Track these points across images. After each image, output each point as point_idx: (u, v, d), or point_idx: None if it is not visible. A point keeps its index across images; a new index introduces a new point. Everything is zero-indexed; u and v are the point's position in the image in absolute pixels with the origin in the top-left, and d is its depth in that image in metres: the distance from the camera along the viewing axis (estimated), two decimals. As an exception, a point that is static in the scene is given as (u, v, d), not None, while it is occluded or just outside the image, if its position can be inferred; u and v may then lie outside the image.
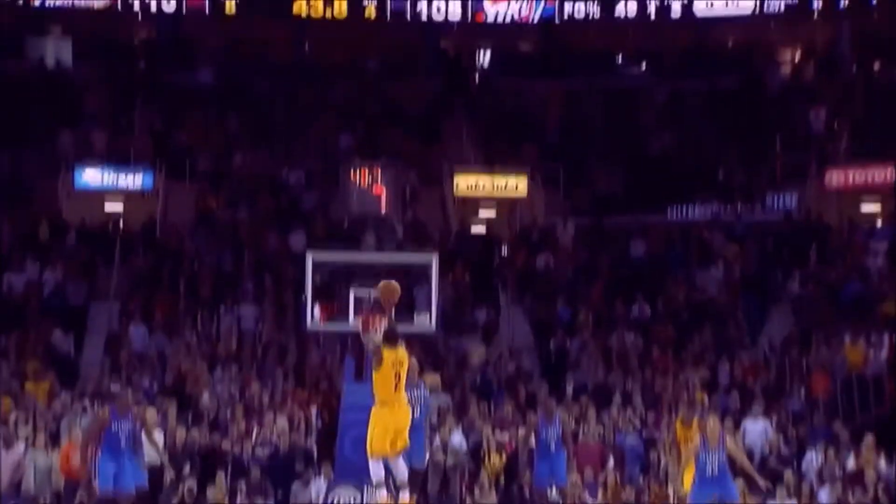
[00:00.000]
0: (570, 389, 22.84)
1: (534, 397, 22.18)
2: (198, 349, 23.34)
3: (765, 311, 26.16)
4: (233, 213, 28.26)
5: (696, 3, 33.19)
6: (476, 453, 19.94)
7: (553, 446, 15.56)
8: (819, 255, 27.06)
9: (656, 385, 23.09)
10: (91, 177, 28.34)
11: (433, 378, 14.17)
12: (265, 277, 25.77)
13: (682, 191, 29.28)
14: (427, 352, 23.79)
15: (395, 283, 12.94)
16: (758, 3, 33.06)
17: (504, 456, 19.87)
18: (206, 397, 21.34)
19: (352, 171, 19.83)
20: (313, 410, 21.24)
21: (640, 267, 27.46)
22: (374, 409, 12.27)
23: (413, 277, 23.87)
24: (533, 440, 16.59)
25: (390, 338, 12.36)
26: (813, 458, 20.16)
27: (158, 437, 18.73)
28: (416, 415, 12.88)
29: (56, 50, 32.76)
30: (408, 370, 12.39)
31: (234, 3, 32.37)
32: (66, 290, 25.24)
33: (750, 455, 20.16)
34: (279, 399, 21.66)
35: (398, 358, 12.25)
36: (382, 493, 12.30)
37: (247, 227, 27.72)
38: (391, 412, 12.16)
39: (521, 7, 33.44)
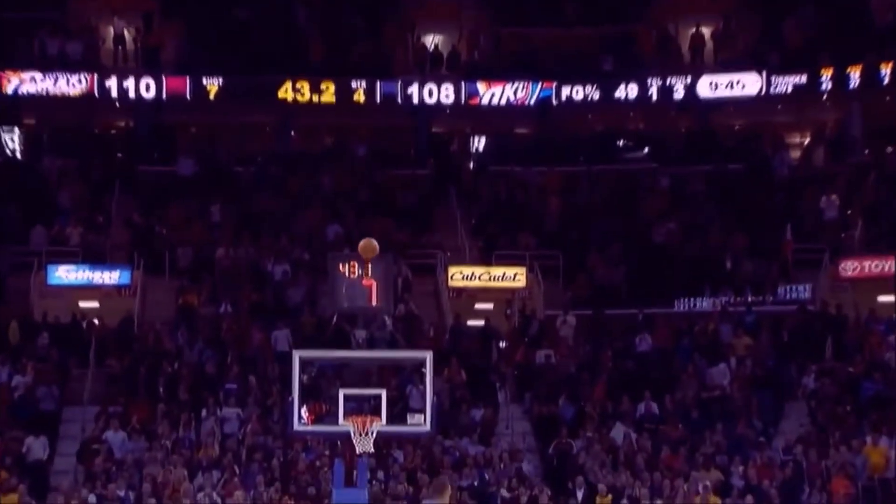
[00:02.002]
0: (580, 494, 22.83)
1: (535, 502, 22.08)
2: (178, 455, 23.36)
3: (779, 408, 26.22)
4: (215, 309, 28.44)
5: (699, 85, 33.71)
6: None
7: None
8: (835, 348, 27.21)
9: (665, 488, 23.16)
10: (65, 273, 28.49)
11: None
12: (249, 377, 25.89)
13: (688, 281, 29.55)
14: (422, 454, 23.74)
15: (373, 241, 13.73)
16: (764, 84, 33.53)
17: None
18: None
19: (340, 263, 19.93)
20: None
21: (646, 362, 27.64)
22: None
23: (406, 375, 23.90)
24: None
25: (376, 500, 11.99)
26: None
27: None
28: None
29: (29, 141, 33.24)
30: None
31: (216, 88, 32.90)
32: (36, 393, 25.24)
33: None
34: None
35: None
36: None
37: (230, 324, 27.84)
38: None
39: (516, 90, 33.91)
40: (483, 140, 35.53)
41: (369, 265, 18.78)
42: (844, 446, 23.75)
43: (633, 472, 23.75)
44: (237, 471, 23.04)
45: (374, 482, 22.42)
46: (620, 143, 35.05)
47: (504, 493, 22.91)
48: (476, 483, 23.14)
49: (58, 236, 29.93)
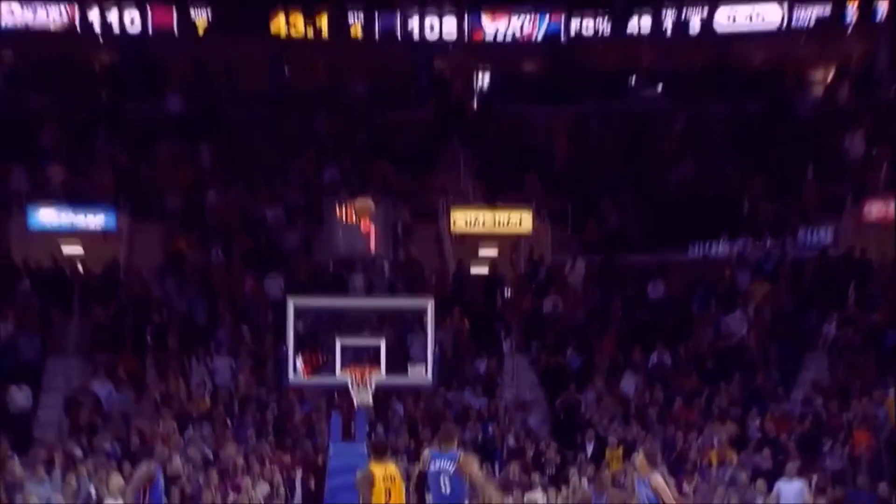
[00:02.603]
0: (589, 448, 22.85)
1: (542, 457, 22.19)
2: (167, 407, 23.37)
3: (799, 358, 26.15)
4: (205, 255, 28.27)
5: (716, 17, 33.37)
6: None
7: None
8: (858, 295, 27.09)
9: (678, 441, 23.16)
10: (47, 216, 28.38)
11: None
12: (241, 326, 25.82)
13: (704, 226, 29.32)
14: (423, 406, 23.87)
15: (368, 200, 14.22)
16: (785, 16, 33.20)
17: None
18: (176, 461, 21.16)
19: (337, 207, 19.86)
20: (296, 474, 21.28)
21: (659, 310, 27.50)
22: None
23: (407, 324, 24.10)
24: None
25: (378, 450, 12.79)
26: (855, 524, 20.48)
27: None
28: None
29: (7, 77, 33.06)
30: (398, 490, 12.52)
31: (205, 20, 32.60)
32: (18, 343, 25.26)
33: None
34: (257, 462, 21.57)
35: (388, 473, 12.53)
36: None
37: (221, 271, 27.80)
38: None
39: (523, 24, 33.61)
40: (488, 78, 35.22)
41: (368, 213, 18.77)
42: (866, 398, 23.64)
43: (644, 426, 23.78)
44: (229, 424, 23.08)
45: (373, 435, 22.57)
46: (633, 80, 34.72)
47: (511, 441, 23.00)
48: (480, 437, 23.17)
49: (39, 177, 29.87)
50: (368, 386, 18.16)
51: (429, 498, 13.61)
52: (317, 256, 27.43)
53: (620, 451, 22.57)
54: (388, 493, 12.40)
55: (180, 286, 27.17)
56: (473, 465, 12.92)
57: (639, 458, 14.62)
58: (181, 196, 29.88)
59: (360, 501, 12.42)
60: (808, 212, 29.85)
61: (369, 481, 12.39)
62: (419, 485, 15.72)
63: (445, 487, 12.78)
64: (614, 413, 24.27)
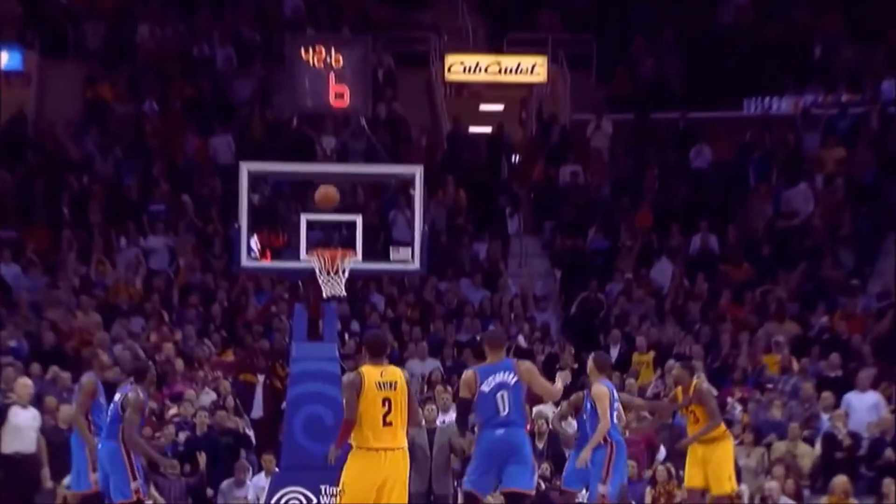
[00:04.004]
0: (615, 352, 22.73)
1: (555, 362, 22.24)
2: (88, 296, 23.29)
3: (878, 240, 26.20)
4: (135, 106, 28.10)
5: None
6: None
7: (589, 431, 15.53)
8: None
9: (725, 344, 23.21)
10: (-66, 54, 28.62)
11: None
12: (181, 196, 25.72)
13: (762, 75, 29.22)
14: (410, 300, 23.87)
15: (332, 190, 14.37)
16: None
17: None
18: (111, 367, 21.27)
19: (302, 48, 19.64)
20: (257, 380, 21.37)
21: (704, 181, 27.52)
22: (350, 456, 12.02)
23: (389, 198, 23.95)
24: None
25: (374, 348, 12.18)
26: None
27: (34, 416, 18.88)
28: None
29: None
30: (409, 397, 12.09)
31: None
32: None
33: (857, 440, 20.41)
34: (202, 365, 21.67)
35: (386, 378, 12.00)
36: None
37: (155, 127, 27.64)
38: (376, 462, 11.84)
39: None
40: None
41: (340, 56, 18.63)
42: (960, 290, 24.08)
43: (682, 324, 23.94)
44: (166, 317, 23.11)
45: (346, 334, 22.56)
46: None
47: (520, 342, 23.00)
48: (479, 338, 22.55)
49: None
50: (340, 273, 18.19)
51: (475, 424, 13.34)
52: (276, 110, 27.26)
53: (652, 356, 22.63)
54: (388, 403, 11.89)
55: (104, 144, 27.01)
56: (537, 374, 12.99)
57: (590, 362, 15.09)
58: (105, 30, 29.58)
59: (346, 415, 11.94)
60: (894, 59, 29.81)
61: (357, 388, 11.87)
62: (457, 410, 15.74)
63: (504, 407, 12.72)
64: (646, 310, 24.30)
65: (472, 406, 12.99)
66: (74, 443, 15.33)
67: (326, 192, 15.78)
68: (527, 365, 12.98)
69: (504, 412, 12.71)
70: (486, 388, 12.72)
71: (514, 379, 12.74)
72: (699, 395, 15.77)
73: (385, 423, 11.87)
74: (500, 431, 12.75)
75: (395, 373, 12.07)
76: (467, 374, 13.06)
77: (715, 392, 17.77)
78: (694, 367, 16.81)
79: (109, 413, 14.67)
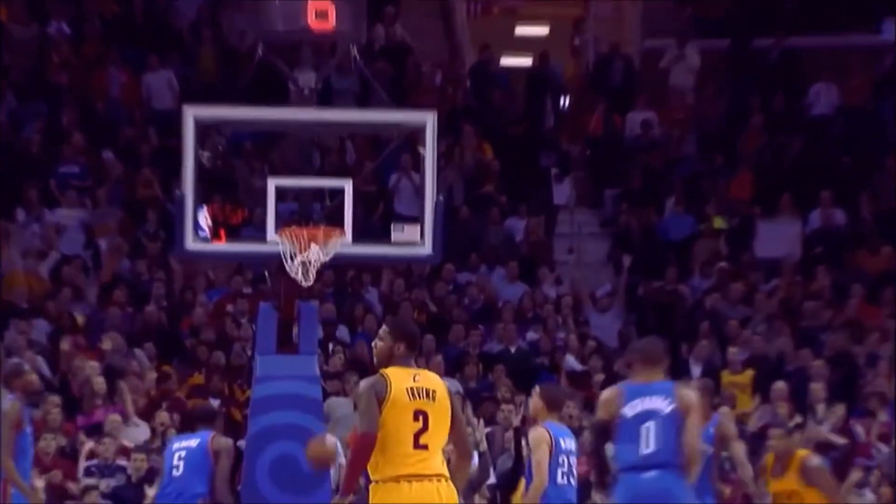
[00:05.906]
0: (696, 370, 22.57)
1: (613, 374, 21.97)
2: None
3: None
4: (38, 29, 28.23)
5: None
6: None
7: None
8: None
9: (860, 360, 23.51)
10: None
11: None
12: (102, 154, 26.04)
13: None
14: (416, 297, 23.68)
15: (330, 443, 12.45)
16: None
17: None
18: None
19: (273, -48, 19.82)
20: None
21: (825, 133, 27.32)
22: (372, 493, 11.01)
23: (390, 157, 24.08)
24: None
25: (409, 340, 11.26)
26: None
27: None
28: None
29: None
30: (454, 416, 11.11)
31: None
32: None
33: None
34: (133, 384, 21.60)
35: (422, 384, 11.03)
36: None
37: (67, 56, 27.90)
38: (408, 496, 10.92)
39: None
40: None
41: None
42: None
43: (795, 332, 24.74)
44: (81, 320, 23.64)
45: (331, 345, 22.52)
46: None
47: (569, 362, 22.71)
48: (513, 350, 23.69)
49: None
50: (321, 258, 18.18)
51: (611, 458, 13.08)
52: (234, 36, 27.18)
53: (750, 376, 22.76)
54: (422, 417, 10.97)
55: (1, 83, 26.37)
56: (698, 410, 12.75)
57: (534, 396, 14.74)
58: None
59: (364, 427, 11.09)
60: None
61: (380, 392, 10.93)
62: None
63: (649, 442, 12.59)
64: (743, 311, 24.24)
65: (611, 433, 12.81)
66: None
67: (320, 447, 12.63)
68: (691, 395, 12.63)
69: (647, 449, 12.43)
70: (628, 412, 12.56)
71: (671, 407, 12.42)
72: (809, 474, 15.41)
73: (417, 445, 11.04)
74: (648, 475, 12.70)
75: (434, 380, 11.19)
76: (609, 391, 13.07)
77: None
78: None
79: None
